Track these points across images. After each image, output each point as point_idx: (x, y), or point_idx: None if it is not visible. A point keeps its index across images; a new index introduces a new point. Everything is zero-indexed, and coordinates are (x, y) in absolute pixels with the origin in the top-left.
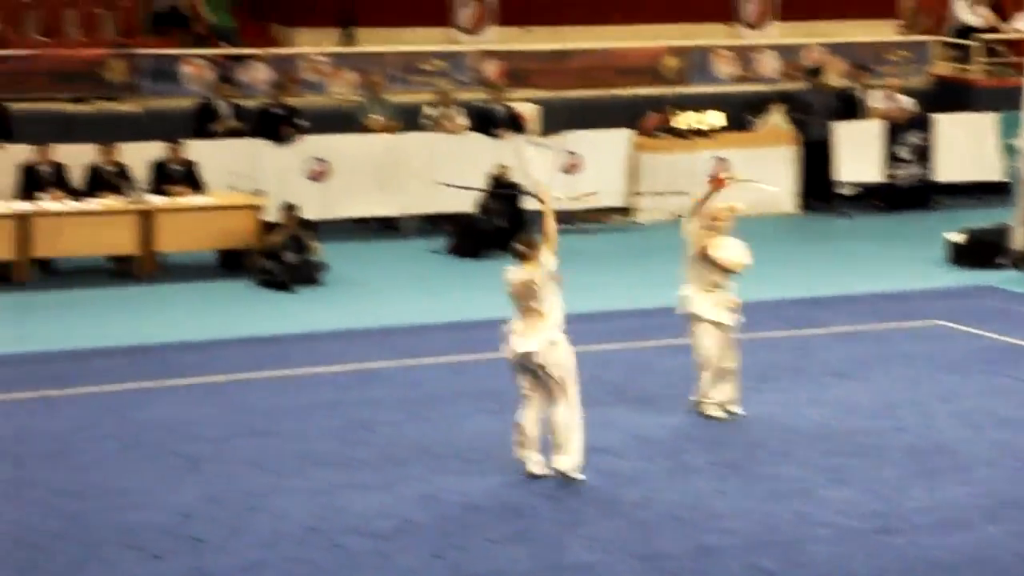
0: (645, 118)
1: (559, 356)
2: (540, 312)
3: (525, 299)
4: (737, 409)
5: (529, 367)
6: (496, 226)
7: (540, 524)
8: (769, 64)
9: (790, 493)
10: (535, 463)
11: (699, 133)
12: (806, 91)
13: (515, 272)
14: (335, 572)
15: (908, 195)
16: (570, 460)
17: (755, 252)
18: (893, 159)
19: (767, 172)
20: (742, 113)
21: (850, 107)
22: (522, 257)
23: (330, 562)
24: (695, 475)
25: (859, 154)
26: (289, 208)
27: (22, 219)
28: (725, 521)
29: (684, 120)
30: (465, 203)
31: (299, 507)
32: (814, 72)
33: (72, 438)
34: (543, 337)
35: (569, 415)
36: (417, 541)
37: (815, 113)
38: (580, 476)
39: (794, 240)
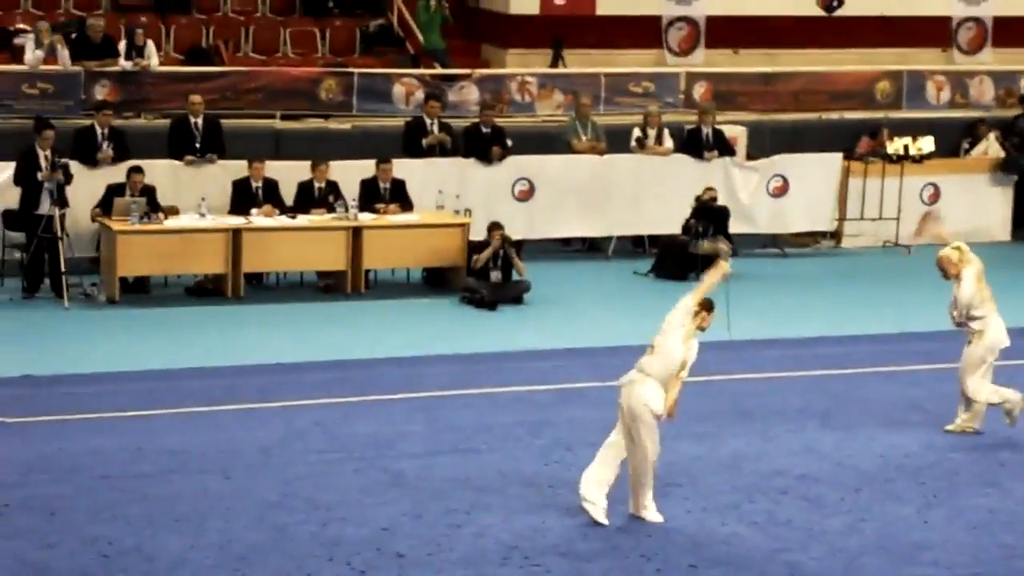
0: (859, 142)
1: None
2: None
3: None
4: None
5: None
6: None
7: (742, 550)
8: (983, 90)
9: (997, 525)
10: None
11: (909, 158)
12: (1020, 117)
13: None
14: None
15: None
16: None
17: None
18: None
19: (978, 198)
20: (955, 139)
21: None
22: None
23: None
24: (901, 504)
25: None
26: (495, 227)
27: (235, 234)
28: (931, 552)
29: (895, 146)
30: (671, 225)
31: (501, 526)
32: None
33: (278, 451)
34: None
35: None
36: (616, 563)
37: None
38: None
39: (1007, 268)
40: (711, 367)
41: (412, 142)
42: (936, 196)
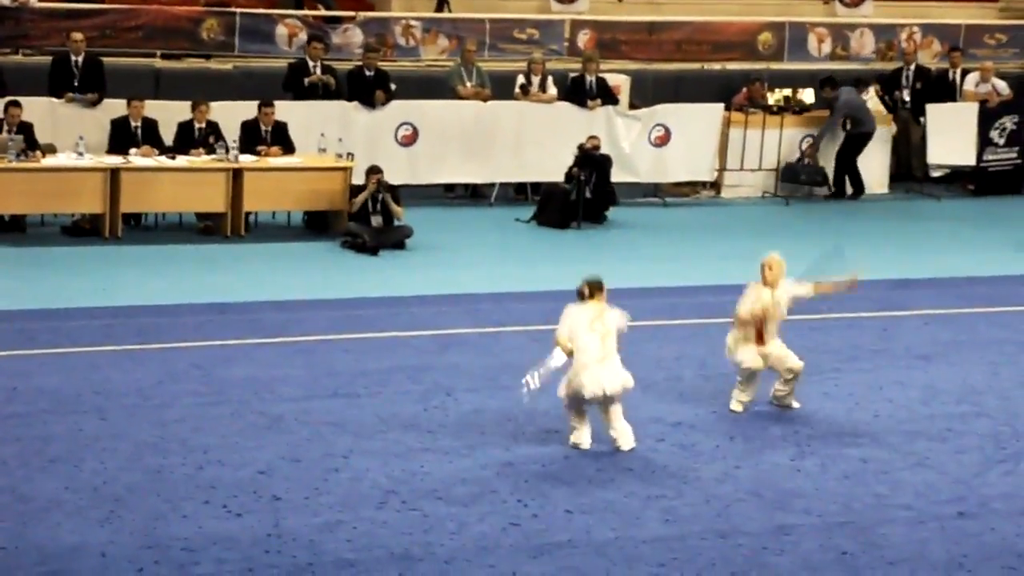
0: (737, 93)
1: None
2: (613, 349)
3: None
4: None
5: (598, 401)
6: (583, 197)
7: (618, 496)
8: (864, 43)
9: (870, 475)
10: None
11: (790, 110)
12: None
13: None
14: (411, 536)
15: (1000, 179)
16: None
17: (843, 232)
18: (986, 143)
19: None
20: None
21: (944, 89)
22: (586, 296)
23: (407, 525)
24: (775, 453)
25: (952, 137)
26: (373, 171)
27: (113, 173)
28: (804, 500)
29: (776, 97)
30: (553, 173)
31: (378, 470)
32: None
33: (155, 393)
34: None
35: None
36: (494, 508)
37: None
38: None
39: (883, 221)
40: None
41: (294, 83)
42: (815, 148)
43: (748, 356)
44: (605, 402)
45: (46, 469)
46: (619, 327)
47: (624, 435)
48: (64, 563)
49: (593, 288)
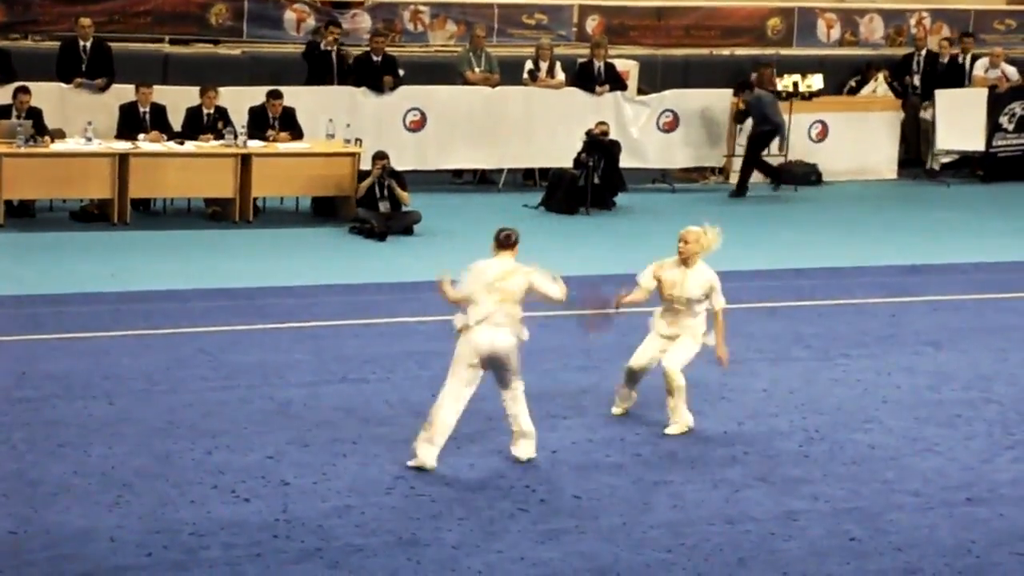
0: (746, 79)
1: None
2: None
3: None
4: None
5: (493, 363)
6: (591, 182)
7: (625, 482)
8: (873, 28)
9: (878, 461)
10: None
11: (799, 95)
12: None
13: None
14: (420, 521)
15: (1009, 165)
16: (533, 445)
17: (854, 217)
18: (995, 129)
19: (866, 136)
20: (844, 77)
21: (954, 75)
22: (503, 247)
23: (415, 511)
24: (782, 439)
25: (960, 122)
26: (379, 156)
27: (121, 159)
28: (812, 486)
29: (785, 83)
30: (561, 159)
31: (387, 455)
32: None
33: (164, 378)
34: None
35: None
36: (502, 493)
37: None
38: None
39: (891, 206)
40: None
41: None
42: (824, 133)
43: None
44: (495, 373)
45: (55, 454)
46: (535, 288)
47: (522, 436)
48: (73, 547)
49: (501, 242)
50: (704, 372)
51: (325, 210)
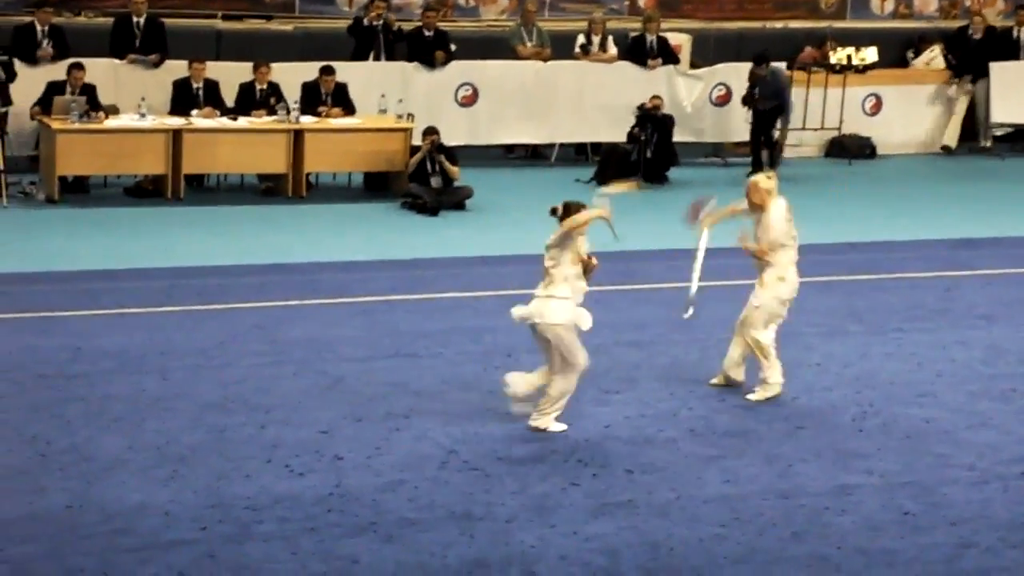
0: (802, 52)
1: (553, 318)
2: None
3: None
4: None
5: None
6: (644, 157)
7: (678, 457)
8: (927, 1)
9: (932, 435)
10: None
11: (852, 68)
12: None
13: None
14: (472, 495)
15: None
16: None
17: (906, 190)
18: None
19: (920, 109)
20: (898, 50)
21: (1008, 47)
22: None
23: (468, 485)
24: (836, 413)
25: (1015, 96)
26: (429, 131)
27: (175, 135)
28: (866, 461)
29: (839, 56)
30: (613, 134)
31: (440, 430)
32: None
33: (217, 353)
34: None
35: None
36: (554, 468)
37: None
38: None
39: (945, 180)
40: (654, 277)
41: (358, 46)
42: (878, 107)
43: None
44: (539, 340)
45: (109, 428)
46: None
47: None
48: (128, 522)
49: (556, 208)
50: None
51: (377, 185)
